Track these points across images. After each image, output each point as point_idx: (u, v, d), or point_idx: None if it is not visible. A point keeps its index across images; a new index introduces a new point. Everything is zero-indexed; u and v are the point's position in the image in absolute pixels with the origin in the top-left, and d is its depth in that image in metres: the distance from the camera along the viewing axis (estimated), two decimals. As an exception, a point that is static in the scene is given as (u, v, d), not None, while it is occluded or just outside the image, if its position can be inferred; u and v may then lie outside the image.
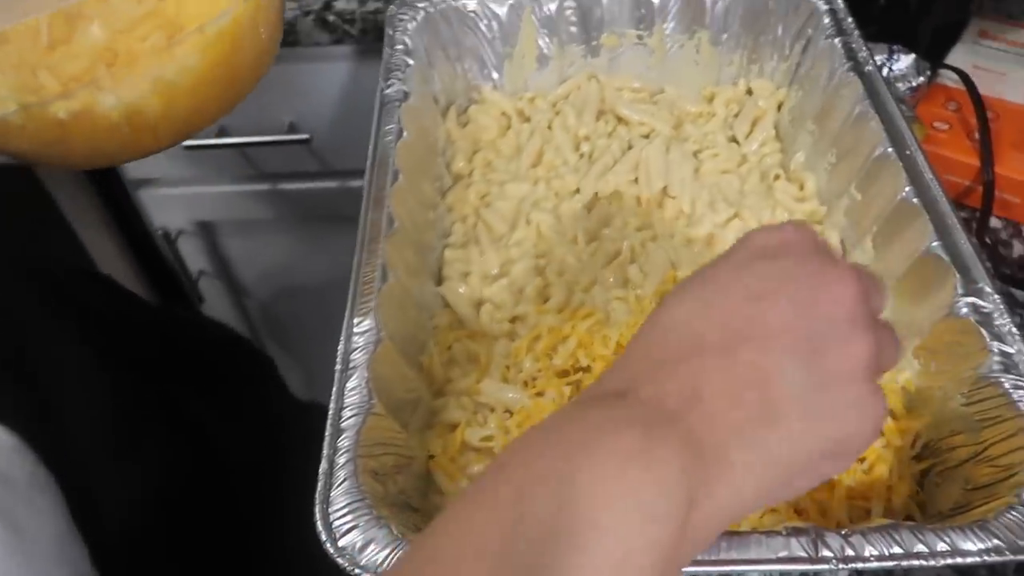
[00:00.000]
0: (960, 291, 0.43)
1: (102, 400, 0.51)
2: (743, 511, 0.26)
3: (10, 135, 0.45)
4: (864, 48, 0.58)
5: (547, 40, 0.67)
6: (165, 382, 0.59)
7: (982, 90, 0.63)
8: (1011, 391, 0.39)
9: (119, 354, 0.55)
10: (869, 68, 0.57)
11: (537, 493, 0.23)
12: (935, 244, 0.45)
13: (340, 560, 0.35)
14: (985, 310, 0.42)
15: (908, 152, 0.50)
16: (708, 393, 0.25)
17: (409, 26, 0.64)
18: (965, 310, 0.43)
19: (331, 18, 0.83)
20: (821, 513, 0.43)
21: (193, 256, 1.12)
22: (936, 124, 0.63)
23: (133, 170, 1.00)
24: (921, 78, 0.65)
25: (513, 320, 0.52)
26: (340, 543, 0.35)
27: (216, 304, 1.18)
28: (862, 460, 0.44)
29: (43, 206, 0.95)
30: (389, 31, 0.63)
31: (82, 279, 0.66)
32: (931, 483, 0.43)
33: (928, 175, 0.49)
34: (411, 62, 0.61)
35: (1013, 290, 0.56)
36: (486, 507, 0.25)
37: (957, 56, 0.68)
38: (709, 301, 0.28)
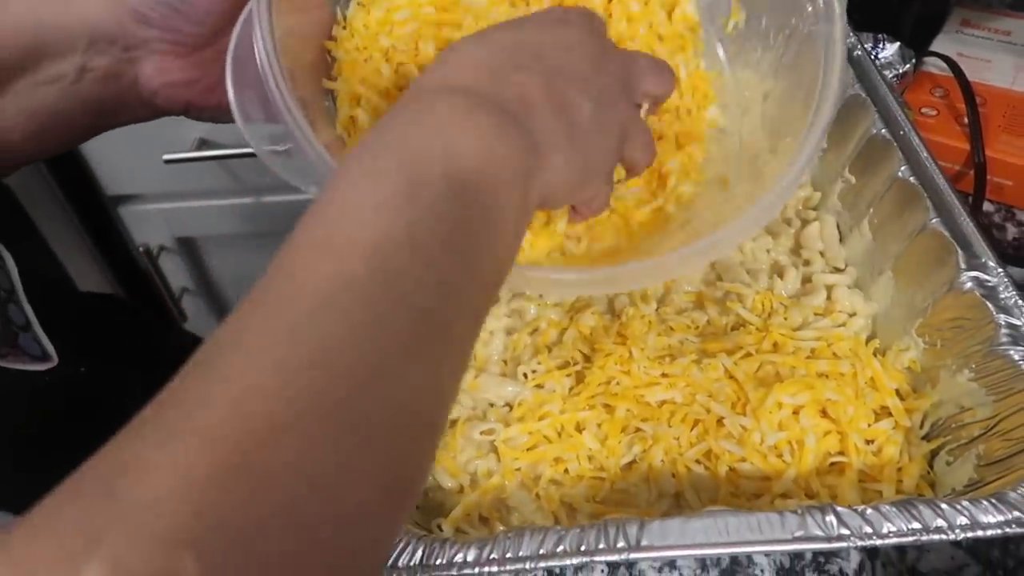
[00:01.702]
0: (963, 266, 0.43)
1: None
2: (551, 200, 0.33)
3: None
4: (851, 34, 0.58)
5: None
6: (143, 399, 0.57)
7: (968, 76, 0.63)
8: (1020, 362, 0.39)
9: (101, 368, 0.54)
10: (858, 53, 0.57)
11: (423, 160, 0.27)
12: (935, 221, 0.45)
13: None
14: (990, 283, 0.42)
15: (902, 132, 0.50)
16: (536, 104, 0.31)
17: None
18: (969, 284, 0.42)
19: (312, 26, 0.83)
20: (832, 497, 0.42)
21: (175, 274, 1.10)
22: (924, 110, 0.63)
23: (113, 186, 0.99)
24: (907, 65, 0.65)
25: (510, 314, 0.51)
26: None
27: (199, 322, 1.16)
28: (871, 442, 0.43)
29: (19, 224, 0.93)
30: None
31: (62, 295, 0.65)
32: (942, 462, 0.42)
33: (923, 154, 0.48)
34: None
35: (1010, 269, 0.55)
36: (369, 176, 0.27)
37: (941, 45, 0.68)
38: (527, 40, 0.33)
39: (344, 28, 0.42)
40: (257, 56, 0.34)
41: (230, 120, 0.43)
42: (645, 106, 0.38)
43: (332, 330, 0.23)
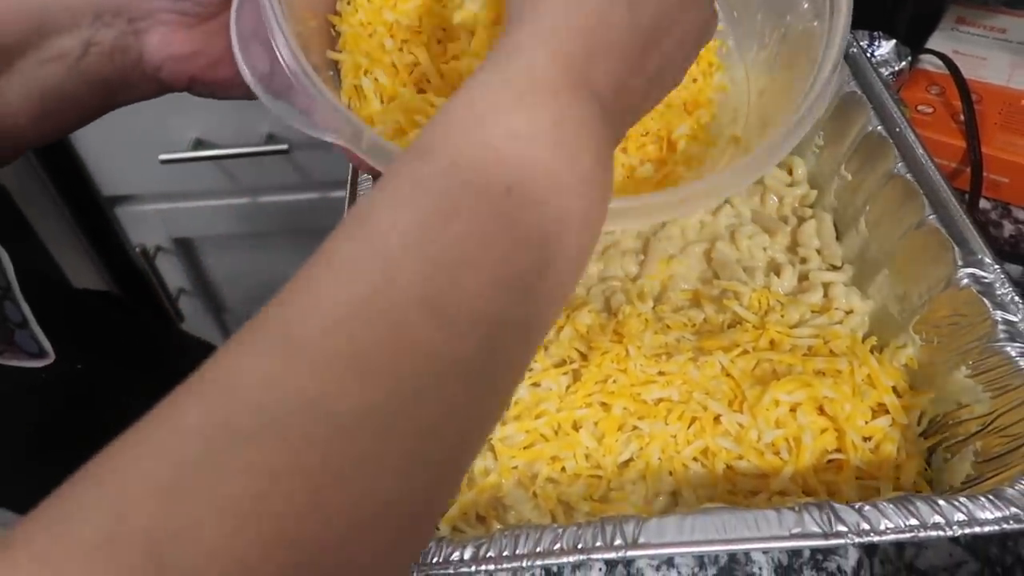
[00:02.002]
0: (959, 262, 0.43)
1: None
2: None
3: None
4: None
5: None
6: (145, 399, 0.57)
7: (964, 74, 0.63)
8: (1018, 359, 0.39)
9: (99, 368, 0.53)
10: (853, 51, 0.56)
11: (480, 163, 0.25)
12: (931, 217, 0.45)
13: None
14: (986, 280, 0.42)
15: (898, 130, 0.50)
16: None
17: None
18: (965, 281, 0.42)
19: (308, 25, 0.82)
20: (829, 494, 0.42)
21: (172, 274, 1.10)
22: (920, 108, 0.63)
23: (109, 187, 0.98)
24: (903, 63, 0.65)
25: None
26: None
27: (196, 322, 1.16)
28: (868, 439, 0.43)
29: (16, 224, 0.93)
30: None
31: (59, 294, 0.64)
32: (939, 459, 0.42)
33: (919, 151, 0.48)
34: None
35: (1007, 266, 0.55)
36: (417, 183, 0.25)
37: (936, 43, 0.68)
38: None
39: (348, 3, 0.42)
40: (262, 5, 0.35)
41: (233, 96, 0.44)
42: None
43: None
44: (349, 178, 0.52)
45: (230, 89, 0.43)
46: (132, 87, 0.42)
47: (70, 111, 0.42)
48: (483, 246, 0.23)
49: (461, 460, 0.24)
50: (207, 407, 0.20)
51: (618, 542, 0.34)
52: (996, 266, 0.42)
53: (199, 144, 0.92)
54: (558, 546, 0.34)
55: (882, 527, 0.34)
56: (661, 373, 0.46)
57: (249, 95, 0.45)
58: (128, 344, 0.62)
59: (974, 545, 0.42)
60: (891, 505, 0.34)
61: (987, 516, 0.34)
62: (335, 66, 0.43)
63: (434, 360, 0.22)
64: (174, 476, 0.19)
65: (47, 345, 0.47)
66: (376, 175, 0.49)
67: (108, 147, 0.93)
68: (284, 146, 0.90)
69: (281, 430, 0.19)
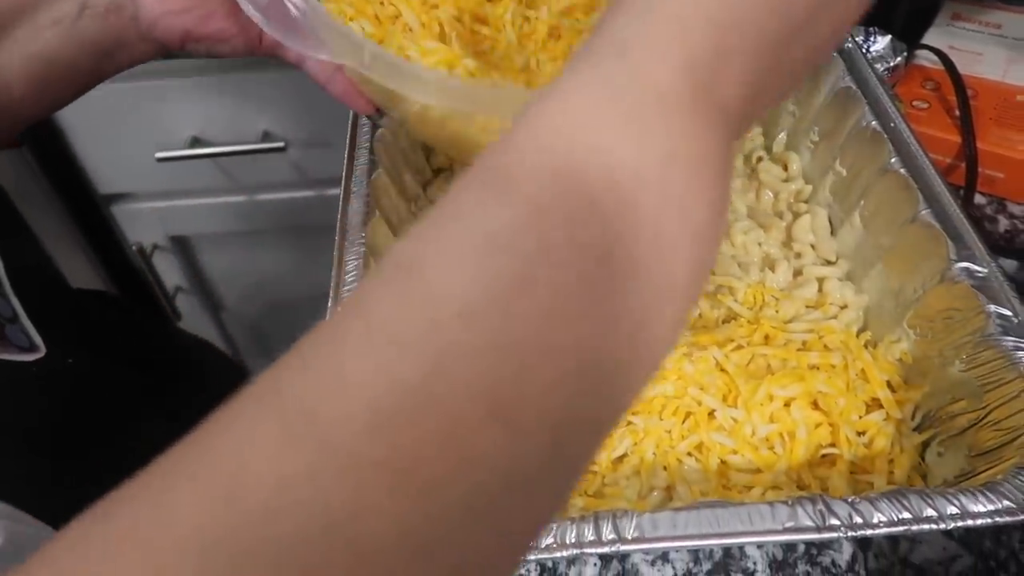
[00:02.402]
0: (953, 257, 0.43)
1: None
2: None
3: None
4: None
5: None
6: (138, 395, 0.57)
7: (959, 69, 0.63)
8: (1012, 352, 0.39)
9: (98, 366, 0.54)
10: (849, 46, 0.56)
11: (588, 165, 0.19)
12: (925, 212, 0.45)
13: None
14: (980, 274, 0.42)
15: (892, 124, 0.50)
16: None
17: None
18: (960, 275, 0.42)
19: (304, 22, 0.82)
20: (823, 489, 0.42)
21: (169, 272, 1.10)
22: (915, 103, 0.63)
23: (105, 185, 0.98)
24: (898, 58, 0.65)
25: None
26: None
27: (194, 320, 1.16)
28: (862, 434, 0.43)
29: (11, 222, 0.93)
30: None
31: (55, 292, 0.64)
32: (933, 453, 0.42)
33: (914, 146, 0.48)
34: (387, 55, 0.60)
35: (1002, 260, 0.55)
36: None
37: (932, 38, 0.68)
38: None
39: None
40: None
41: (227, 53, 0.45)
42: None
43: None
44: (346, 159, 0.52)
45: (224, 43, 0.43)
46: (127, 48, 0.43)
47: (66, 79, 0.42)
48: (564, 327, 0.18)
49: None
50: (201, 505, 0.15)
51: (612, 536, 0.34)
52: (990, 260, 0.42)
53: (196, 142, 0.92)
54: (551, 540, 0.34)
55: (875, 520, 0.34)
56: (656, 368, 0.46)
57: (243, 49, 0.45)
58: (121, 341, 0.62)
59: (968, 539, 0.42)
60: (884, 499, 0.34)
61: (980, 509, 0.34)
62: None
63: (491, 471, 0.17)
64: None
65: (38, 340, 0.47)
66: (379, 114, 0.49)
67: (104, 145, 0.93)
68: (281, 144, 0.90)
69: (294, 557, 0.15)
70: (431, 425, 0.16)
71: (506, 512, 0.17)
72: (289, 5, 0.35)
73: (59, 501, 0.42)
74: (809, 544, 0.42)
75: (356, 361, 0.17)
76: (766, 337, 0.47)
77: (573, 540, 0.34)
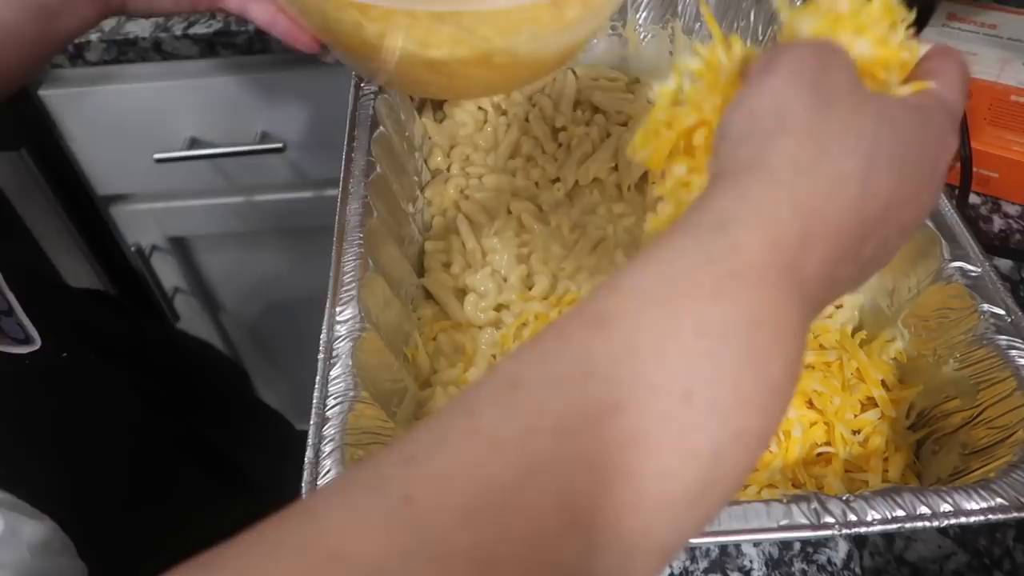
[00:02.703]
0: (947, 256, 0.43)
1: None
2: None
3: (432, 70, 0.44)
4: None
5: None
6: (134, 391, 0.57)
7: (954, 69, 0.63)
8: (1005, 351, 0.39)
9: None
10: (843, 46, 0.57)
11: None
12: (919, 212, 0.45)
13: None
14: (973, 274, 0.42)
15: (887, 125, 0.50)
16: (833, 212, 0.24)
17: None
18: (954, 275, 0.42)
19: (301, 24, 0.83)
20: (818, 487, 0.42)
21: (167, 273, 1.10)
22: (911, 104, 0.64)
23: (104, 186, 0.99)
24: (894, 59, 0.65)
25: (498, 309, 0.51)
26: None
27: (192, 321, 1.16)
28: (857, 432, 0.44)
29: (10, 223, 0.93)
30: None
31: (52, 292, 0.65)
32: (927, 451, 0.43)
33: (908, 146, 0.49)
34: (385, 56, 0.61)
35: (996, 260, 0.56)
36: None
37: (927, 38, 0.69)
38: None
39: None
40: None
41: (168, 8, 0.47)
42: None
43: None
44: (344, 159, 0.52)
45: (162, 3, 0.45)
46: (72, 11, 0.43)
47: (12, 49, 0.42)
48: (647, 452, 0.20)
49: None
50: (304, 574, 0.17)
51: (608, 534, 0.34)
52: (984, 260, 0.43)
53: (194, 143, 0.92)
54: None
55: (869, 518, 0.34)
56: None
57: (185, 3, 0.47)
58: (116, 338, 0.62)
59: (963, 537, 0.43)
60: (878, 497, 0.35)
61: (973, 507, 0.34)
62: None
63: None
64: None
65: (33, 332, 0.47)
66: (325, 50, 0.49)
67: (102, 146, 0.93)
68: (279, 145, 0.90)
69: None
70: (517, 524, 0.18)
71: None
72: None
73: (56, 490, 0.42)
74: (805, 542, 0.42)
75: (457, 458, 0.19)
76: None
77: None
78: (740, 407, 0.21)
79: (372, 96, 0.56)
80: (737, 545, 0.42)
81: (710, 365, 0.21)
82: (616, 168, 0.60)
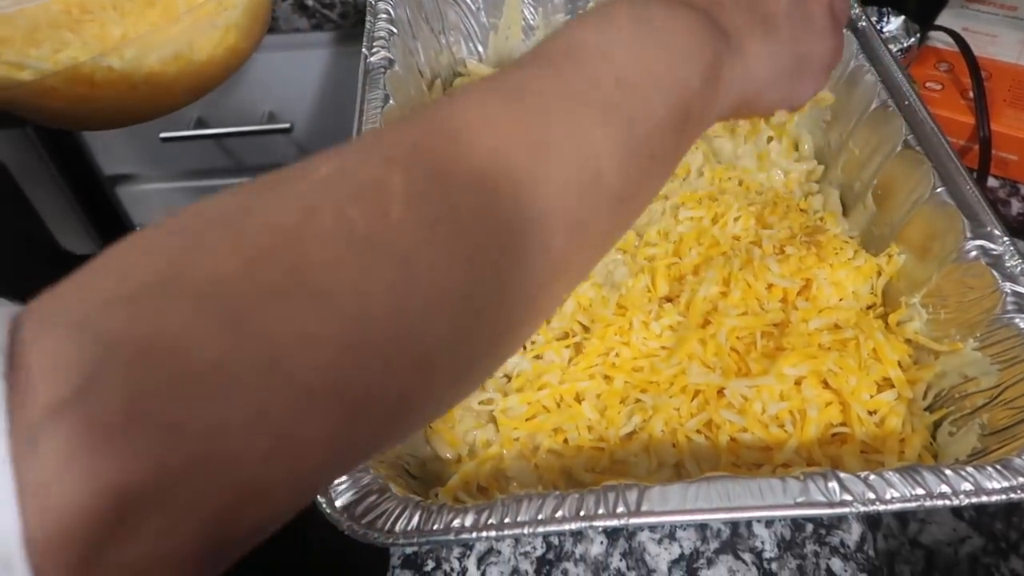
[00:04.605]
0: (968, 235, 0.42)
1: None
2: (753, 88, 0.32)
3: (46, 96, 0.50)
4: (856, 6, 0.57)
5: (532, 10, 0.66)
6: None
7: (974, 51, 0.62)
8: (1027, 330, 0.38)
9: None
10: (862, 24, 0.56)
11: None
12: (940, 190, 0.44)
13: (340, 521, 0.33)
14: (995, 252, 0.41)
15: (907, 103, 0.49)
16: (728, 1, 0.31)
17: (391, -3, 0.62)
18: (974, 253, 0.42)
19: (310, 2, 0.82)
20: (834, 467, 0.41)
21: (173, 255, 1.09)
22: (929, 84, 0.63)
23: (110, 166, 0.98)
24: (912, 40, 0.64)
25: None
26: (337, 503, 0.33)
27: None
28: (873, 413, 0.43)
29: (17, 204, 0.93)
30: (371, 1, 0.62)
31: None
32: (944, 433, 0.42)
33: (929, 124, 0.48)
34: (395, 30, 0.60)
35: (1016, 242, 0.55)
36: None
37: (945, 20, 0.68)
38: None
39: None
40: None
41: None
42: None
43: None
44: (354, 135, 0.52)
45: None
46: None
47: None
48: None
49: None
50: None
51: (621, 509, 0.33)
52: (1005, 238, 0.42)
53: (200, 123, 0.91)
54: (560, 513, 0.34)
55: (887, 496, 0.34)
56: (664, 347, 0.45)
57: None
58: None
59: (979, 520, 0.42)
60: (896, 475, 0.34)
61: (994, 486, 0.34)
62: None
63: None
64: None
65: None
66: None
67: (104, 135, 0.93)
68: (287, 125, 0.90)
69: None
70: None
71: None
72: None
73: None
74: (818, 524, 0.41)
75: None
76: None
77: (581, 512, 0.34)
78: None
79: (382, 72, 0.55)
80: (749, 525, 0.41)
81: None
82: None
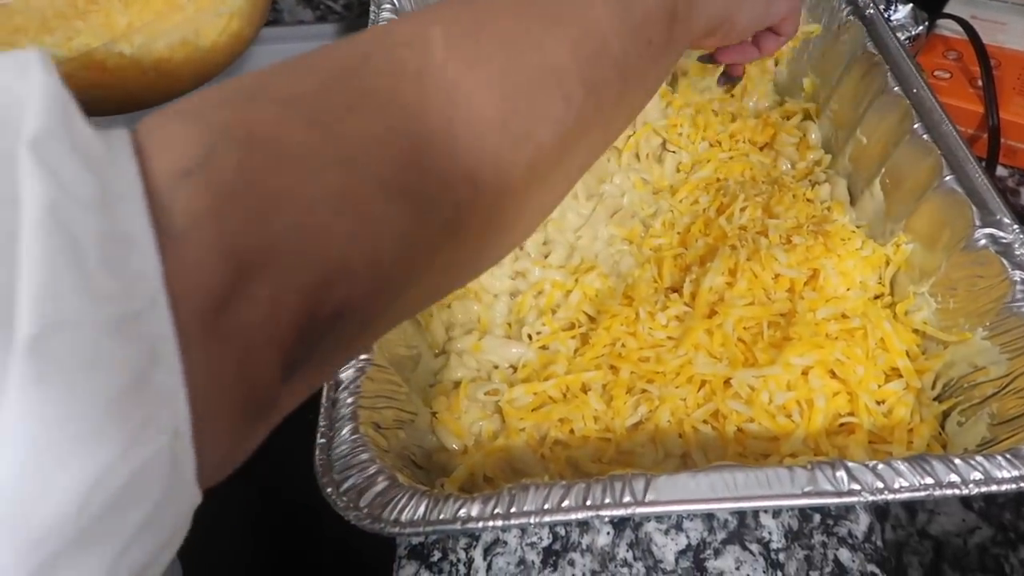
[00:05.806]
0: (977, 223, 0.42)
1: None
2: (729, 24, 0.35)
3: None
4: (864, -7, 0.57)
5: None
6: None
7: (982, 39, 0.62)
8: (1037, 318, 0.38)
9: None
10: (870, 12, 0.55)
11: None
12: (949, 178, 0.44)
13: (346, 510, 0.33)
14: (1004, 240, 0.41)
15: (916, 91, 0.49)
16: None
17: (396, -12, 0.62)
18: (983, 242, 0.41)
19: (314, -6, 0.82)
20: (842, 458, 0.41)
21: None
22: (937, 73, 0.62)
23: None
24: (920, 28, 0.64)
25: (514, 276, 0.51)
26: (343, 488, 0.33)
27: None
28: (881, 403, 0.43)
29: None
30: (376, -8, 0.62)
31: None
32: (953, 423, 0.42)
33: (937, 112, 0.47)
34: (399, 21, 0.59)
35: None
36: None
37: (954, 8, 0.67)
38: None
39: None
40: None
41: None
42: None
43: None
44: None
45: None
46: None
47: None
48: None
49: None
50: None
51: (627, 499, 0.33)
52: (1015, 227, 0.41)
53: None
54: (567, 502, 0.33)
55: (896, 485, 0.33)
56: (670, 338, 0.45)
57: None
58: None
59: (987, 511, 0.42)
60: (905, 464, 0.34)
61: (1004, 475, 0.33)
62: None
63: None
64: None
65: None
66: None
67: (112, 120, 0.93)
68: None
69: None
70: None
71: None
72: None
73: None
74: (825, 514, 0.41)
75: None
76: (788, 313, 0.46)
77: (588, 502, 0.33)
78: None
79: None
80: (756, 516, 0.41)
81: None
82: (633, 135, 0.59)
